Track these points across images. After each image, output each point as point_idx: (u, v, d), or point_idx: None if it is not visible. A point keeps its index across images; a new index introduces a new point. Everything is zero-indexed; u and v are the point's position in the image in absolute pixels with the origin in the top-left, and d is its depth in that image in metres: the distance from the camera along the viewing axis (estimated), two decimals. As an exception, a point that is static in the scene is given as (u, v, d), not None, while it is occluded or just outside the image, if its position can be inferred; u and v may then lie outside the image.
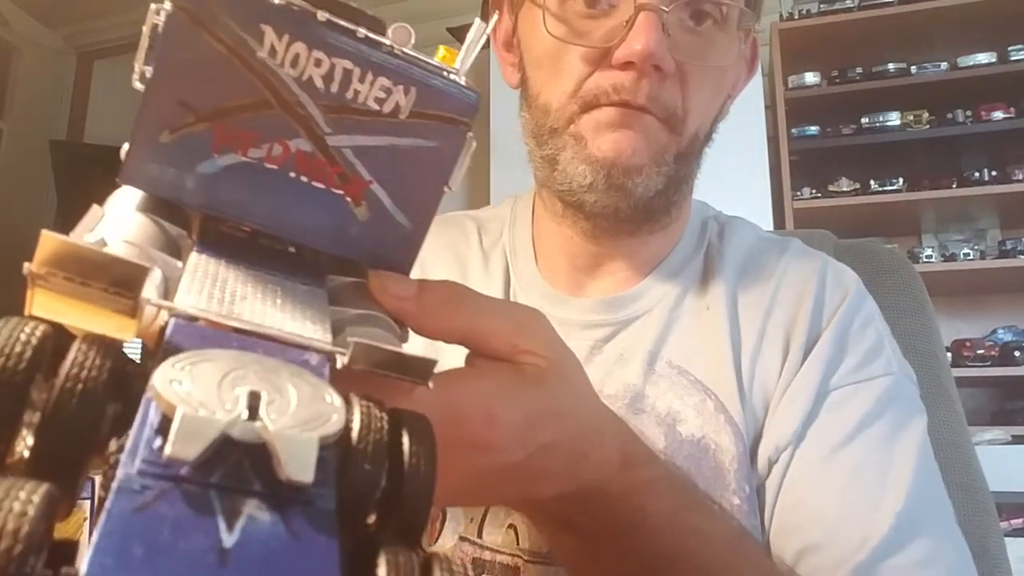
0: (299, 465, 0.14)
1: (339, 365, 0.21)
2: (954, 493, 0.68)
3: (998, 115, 2.31)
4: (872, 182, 2.34)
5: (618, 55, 0.50)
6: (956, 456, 0.69)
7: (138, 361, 0.18)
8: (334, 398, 0.17)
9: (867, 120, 2.41)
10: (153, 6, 0.23)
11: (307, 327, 0.21)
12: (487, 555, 0.52)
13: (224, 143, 0.24)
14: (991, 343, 2.23)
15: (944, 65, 2.38)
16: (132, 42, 0.22)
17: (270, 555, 0.13)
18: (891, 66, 2.40)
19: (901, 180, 2.33)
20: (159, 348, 0.18)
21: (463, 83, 0.26)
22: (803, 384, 0.52)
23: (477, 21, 0.27)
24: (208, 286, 0.21)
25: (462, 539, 0.53)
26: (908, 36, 2.39)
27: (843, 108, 2.42)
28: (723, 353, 0.54)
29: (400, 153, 0.26)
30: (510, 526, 0.52)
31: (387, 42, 0.24)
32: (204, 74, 0.23)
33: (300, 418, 0.15)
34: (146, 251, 0.22)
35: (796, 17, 2.48)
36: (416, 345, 0.27)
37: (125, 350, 0.17)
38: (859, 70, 2.43)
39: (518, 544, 0.51)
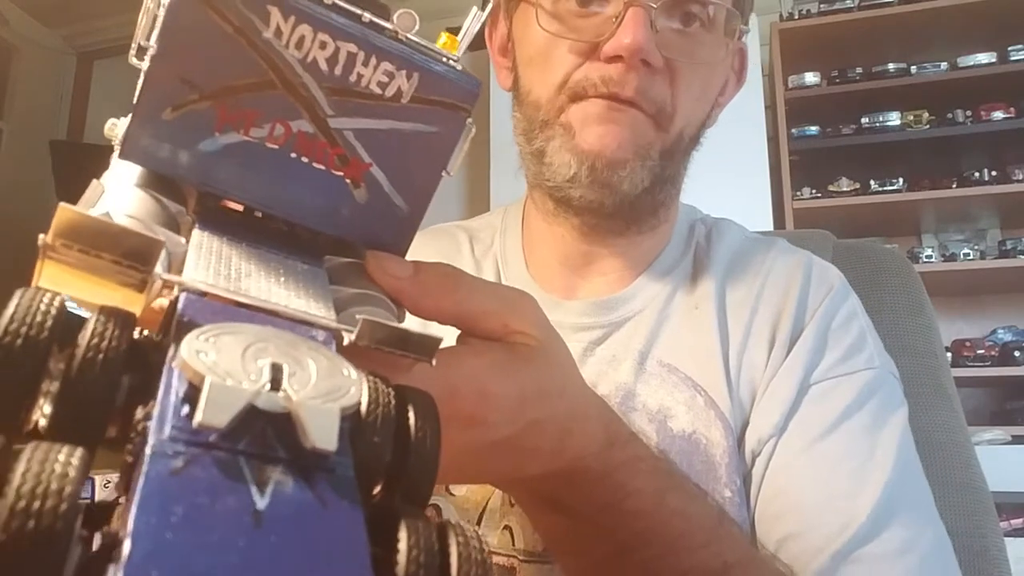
0: (323, 434, 0.15)
1: (345, 342, 0.21)
2: (954, 493, 0.68)
3: (998, 115, 2.31)
4: (872, 182, 2.34)
5: (607, 49, 0.51)
6: (956, 456, 0.69)
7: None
8: (351, 371, 0.17)
9: (867, 120, 2.41)
10: None
11: (311, 305, 0.22)
12: None
13: (226, 122, 0.24)
14: (991, 343, 2.23)
15: (944, 65, 2.38)
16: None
17: (300, 517, 0.14)
18: (891, 66, 2.40)
19: (901, 180, 2.33)
20: (171, 322, 0.18)
21: (464, 70, 0.26)
22: (786, 377, 0.53)
23: (474, 9, 0.27)
24: (214, 262, 0.22)
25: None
26: (908, 36, 2.39)
27: (843, 108, 2.42)
28: (712, 350, 0.55)
29: (401, 137, 0.26)
30: (505, 527, 0.52)
31: (391, 27, 0.25)
32: (209, 53, 0.23)
33: (321, 390, 0.16)
34: (150, 226, 0.22)
35: (796, 17, 2.48)
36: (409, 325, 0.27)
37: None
38: (859, 70, 2.43)
39: (514, 545, 0.52)
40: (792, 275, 0.58)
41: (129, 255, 0.19)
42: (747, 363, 0.54)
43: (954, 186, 2.31)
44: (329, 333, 0.21)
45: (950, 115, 2.36)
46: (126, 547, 0.12)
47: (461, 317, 0.32)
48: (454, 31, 0.27)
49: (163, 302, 0.21)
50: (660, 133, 0.54)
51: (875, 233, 2.43)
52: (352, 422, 0.17)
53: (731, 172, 2.10)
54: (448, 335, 0.33)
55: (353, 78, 0.24)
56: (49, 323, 0.16)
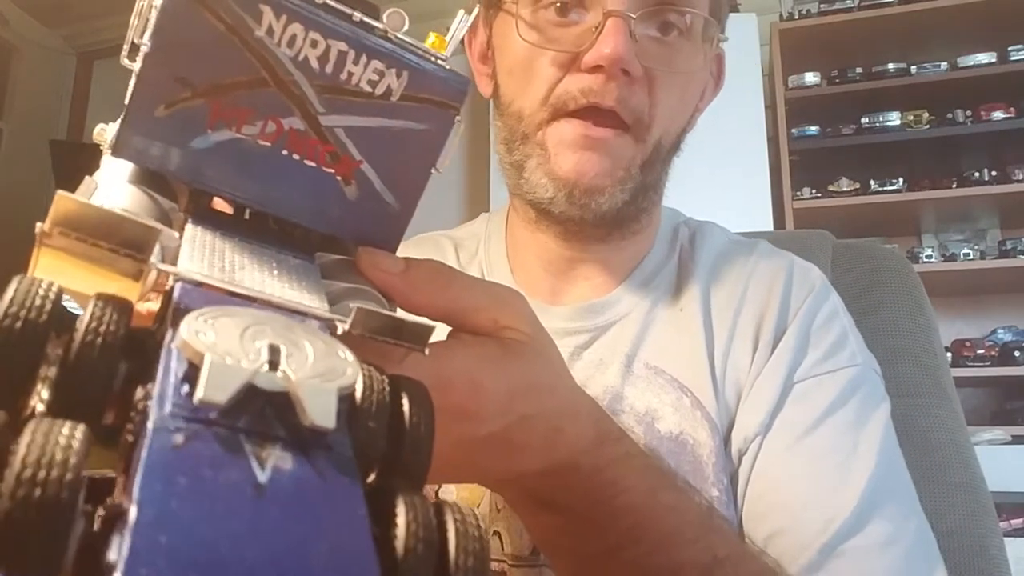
0: (322, 412, 0.15)
1: (339, 332, 0.21)
2: (954, 493, 0.68)
3: (998, 115, 2.31)
4: (872, 182, 2.34)
5: (587, 59, 0.52)
6: (956, 456, 0.69)
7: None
8: (347, 354, 0.17)
9: (867, 120, 2.41)
10: None
11: (304, 296, 0.22)
12: None
13: (218, 119, 0.24)
14: (991, 343, 2.23)
15: (944, 65, 2.38)
16: (132, 42, 0.22)
17: (301, 491, 0.14)
18: (891, 66, 2.40)
19: (901, 180, 2.33)
20: (168, 310, 0.18)
21: (452, 69, 0.26)
22: (770, 376, 0.54)
23: (461, 12, 0.28)
24: (207, 255, 0.22)
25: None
26: (908, 36, 2.39)
27: (843, 108, 2.42)
28: (697, 352, 0.56)
29: (391, 134, 0.26)
30: (494, 532, 0.53)
31: (381, 26, 0.25)
32: (201, 50, 0.23)
33: (318, 370, 0.16)
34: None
35: (796, 17, 2.48)
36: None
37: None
38: (859, 70, 2.43)
39: (503, 550, 0.52)
40: (775, 276, 0.59)
41: (126, 243, 0.19)
42: (732, 364, 0.55)
43: (954, 186, 2.31)
44: (323, 323, 0.21)
45: (950, 115, 2.36)
46: (132, 512, 0.12)
47: (452, 313, 0.32)
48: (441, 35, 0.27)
49: (152, 306, 0.21)
50: (639, 145, 0.55)
51: (875, 233, 2.43)
52: (347, 407, 0.17)
53: (731, 172, 2.11)
54: (439, 333, 0.34)
55: (344, 76, 0.25)
56: (48, 307, 0.16)
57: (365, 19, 0.25)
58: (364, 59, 0.25)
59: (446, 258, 0.67)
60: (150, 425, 0.14)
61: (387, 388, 0.18)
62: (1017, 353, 2.16)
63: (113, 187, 0.24)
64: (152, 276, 0.20)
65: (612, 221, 0.57)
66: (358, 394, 0.18)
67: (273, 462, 0.14)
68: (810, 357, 0.54)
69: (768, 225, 2.14)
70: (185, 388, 0.15)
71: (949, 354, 2.07)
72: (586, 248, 0.60)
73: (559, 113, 0.54)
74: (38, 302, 0.16)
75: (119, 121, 0.24)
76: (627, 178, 0.54)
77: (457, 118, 0.27)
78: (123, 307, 0.17)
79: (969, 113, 2.35)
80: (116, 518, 0.13)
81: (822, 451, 0.50)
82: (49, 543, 0.12)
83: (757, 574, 0.43)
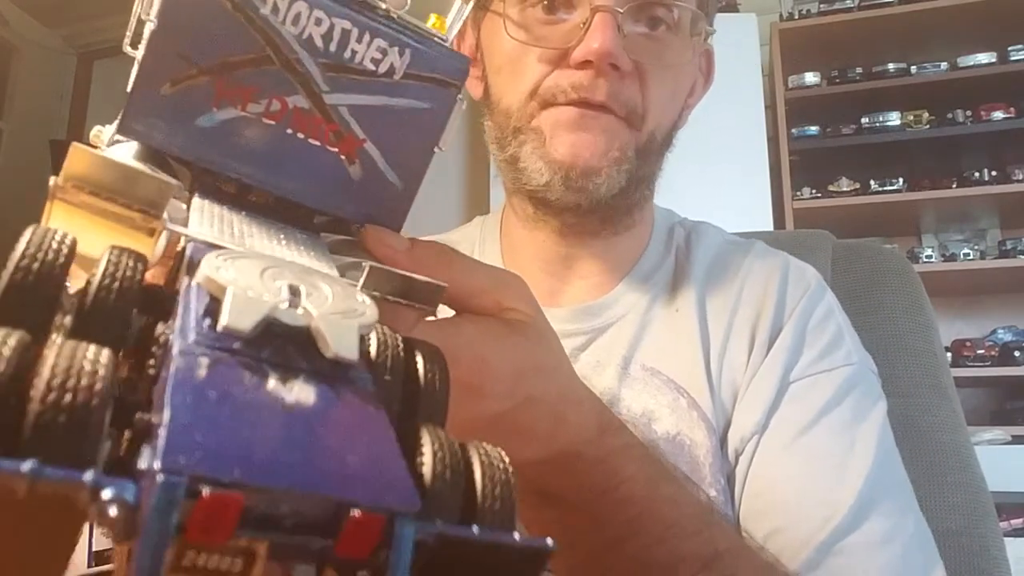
0: (345, 345, 0.15)
1: None
2: (954, 493, 0.68)
3: (998, 115, 2.31)
4: (872, 182, 2.34)
5: (576, 55, 0.52)
6: (956, 456, 0.69)
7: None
8: (364, 297, 0.18)
9: (867, 120, 2.40)
10: None
11: (314, 263, 0.22)
12: None
13: (224, 97, 0.24)
14: (991, 343, 2.23)
15: (944, 65, 2.38)
16: (132, 42, 0.22)
17: (328, 411, 0.14)
18: (891, 66, 2.40)
19: (901, 180, 2.33)
20: (180, 268, 0.18)
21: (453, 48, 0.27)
22: (766, 376, 0.54)
23: (458, 1, 0.28)
24: (217, 223, 0.22)
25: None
26: (908, 36, 2.39)
27: (843, 108, 2.42)
28: (693, 352, 0.56)
29: (394, 113, 0.27)
30: None
31: (384, 6, 0.25)
32: (207, 28, 0.23)
33: (339, 308, 0.16)
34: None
35: (796, 17, 2.48)
36: None
37: None
38: (859, 70, 2.43)
39: None
40: (770, 276, 0.59)
41: (141, 199, 0.19)
42: (728, 364, 0.55)
43: (954, 186, 2.31)
44: None
45: (950, 115, 2.36)
46: (165, 415, 0.12)
47: (455, 293, 0.32)
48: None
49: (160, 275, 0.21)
50: (634, 132, 0.55)
51: (875, 233, 2.43)
52: (365, 357, 0.17)
53: (731, 172, 2.10)
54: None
55: (347, 54, 0.25)
56: (65, 251, 0.16)
57: None
58: (367, 38, 0.25)
59: None
60: (175, 351, 0.14)
61: (401, 344, 0.18)
62: (1017, 353, 2.16)
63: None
64: (163, 240, 0.20)
65: (607, 210, 0.57)
66: (372, 350, 0.18)
67: (299, 388, 0.14)
68: (806, 356, 0.54)
69: (768, 225, 2.14)
70: (207, 322, 0.15)
71: (949, 354, 2.07)
72: (581, 243, 0.60)
73: (548, 104, 0.54)
74: (54, 246, 0.16)
75: (113, 129, 0.24)
76: (623, 159, 0.54)
77: (459, 96, 0.27)
78: (139, 257, 0.17)
79: (969, 113, 2.34)
80: (145, 433, 0.13)
81: (818, 450, 0.50)
82: (79, 444, 0.11)
83: (757, 568, 0.44)
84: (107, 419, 0.12)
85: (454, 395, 0.30)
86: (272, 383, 0.14)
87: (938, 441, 0.70)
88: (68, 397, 0.11)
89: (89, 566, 0.32)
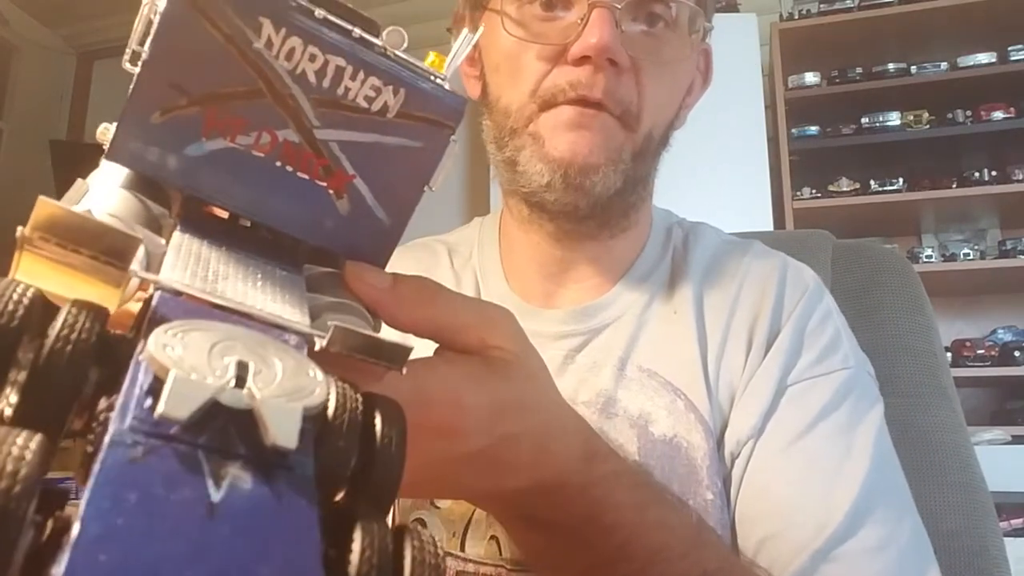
0: (284, 432, 0.15)
1: (317, 348, 0.21)
2: (954, 493, 0.68)
3: (998, 115, 2.31)
4: (872, 182, 2.34)
5: (574, 51, 0.52)
6: (956, 456, 0.69)
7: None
8: (317, 373, 0.17)
9: (867, 120, 2.41)
10: None
11: (286, 310, 0.22)
12: (470, 568, 0.52)
13: (213, 128, 0.24)
14: (991, 343, 2.23)
15: (944, 65, 2.38)
16: (133, 42, 0.22)
17: (255, 511, 0.14)
18: (891, 66, 2.40)
19: (901, 180, 2.33)
20: (145, 319, 0.18)
21: (450, 88, 0.26)
22: (763, 379, 0.53)
23: (465, 31, 0.28)
24: (191, 264, 0.22)
25: (445, 554, 0.53)
26: (908, 36, 2.39)
27: (843, 108, 2.42)
28: (691, 354, 0.55)
29: (385, 151, 0.26)
30: (492, 537, 0.52)
31: (380, 43, 0.25)
32: (200, 59, 0.23)
33: (285, 389, 0.16)
34: (130, 226, 0.22)
35: (796, 17, 2.48)
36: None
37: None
38: (859, 70, 2.43)
39: (501, 555, 0.52)
40: (768, 278, 0.58)
41: (107, 251, 0.19)
42: (725, 366, 0.55)
43: (954, 186, 2.31)
44: (301, 338, 0.21)
45: (950, 115, 2.36)
46: (75, 529, 0.12)
47: (438, 330, 0.32)
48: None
49: (136, 308, 0.21)
50: (629, 134, 0.54)
51: (875, 233, 2.43)
52: (318, 425, 0.17)
53: (731, 172, 2.11)
54: (426, 350, 0.33)
55: (340, 91, 0.25)
56: (20, 312, 0.16)
57: (364, 35, 0.25)
58: (362, 75, 0.25)
59: (440, 263, 0.66)
60: (107, 438, 0.14)
61: (360, 407, 0.18)
62: (1017, 353, 2.16)
63: (104, 191, 0.24)
64: (133, 283, 0.20)
65: (604, 214, 0.57)
66: (330, 411, 0.17)
67: (230, 480, 0.14)
68: (804, 359, 0.54)
69: (768, 225, 2.14)
70: (148, 402, 0.15)
71: (949, 354, 2.07)
72: (577, 247, 0.60)
73: (547, 106, 0.54)
74: (11, 307, 0.16)
75: (116, 127, 0.24)
76: (618, 159, 0.54)
77: (452, 137, 0.27)
78: (97, 313, 0.17)
79: (969, 113, 2.35)
80: (64, 531, 0.13)
81: (815, 455, 0.50)
82: None
83: None
84: (30, 513, 0.12)
85: (428, 436, 0.30)
86: (201, 477, 0.14)
87: (938, 441, 0.70)
88: None
89: None
